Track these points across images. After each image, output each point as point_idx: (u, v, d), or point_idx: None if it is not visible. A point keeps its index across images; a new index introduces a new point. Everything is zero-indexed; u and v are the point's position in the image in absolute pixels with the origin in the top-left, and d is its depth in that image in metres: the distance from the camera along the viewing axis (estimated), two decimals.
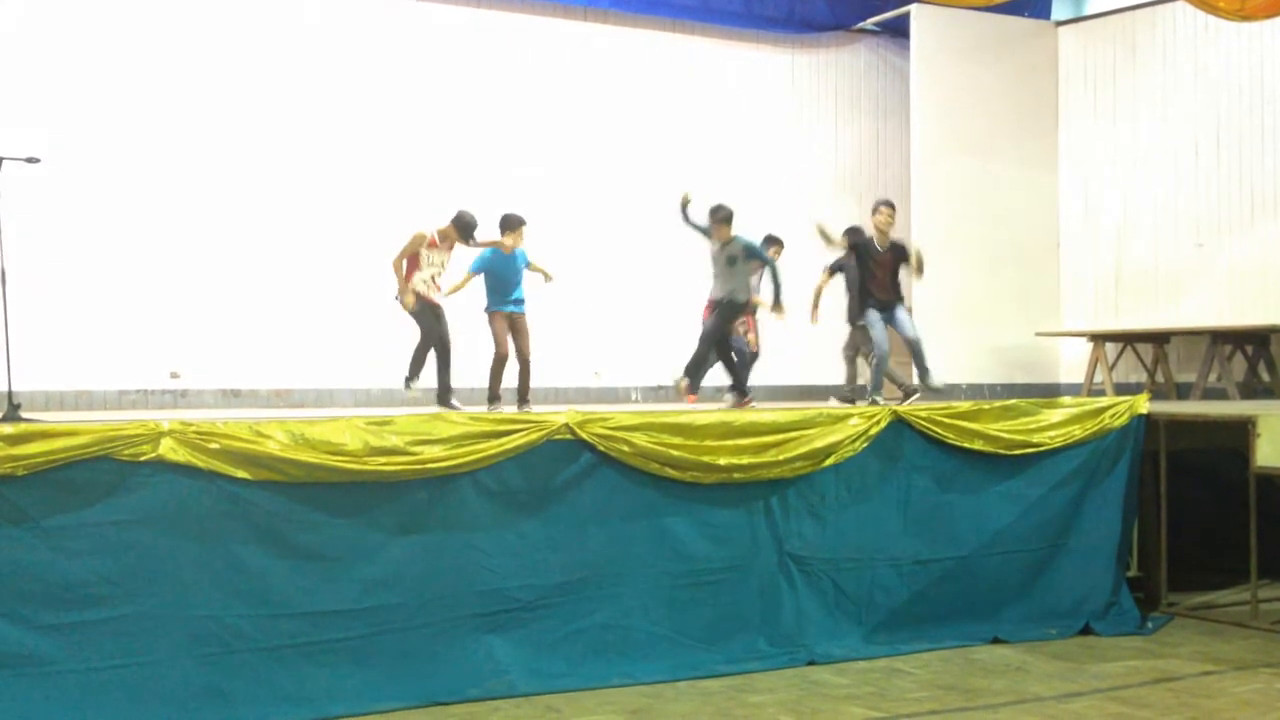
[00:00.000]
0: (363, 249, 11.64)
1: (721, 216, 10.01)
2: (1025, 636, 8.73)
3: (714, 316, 10.22)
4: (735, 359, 10.55)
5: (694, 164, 14.51)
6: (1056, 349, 15.37)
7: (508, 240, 9.73)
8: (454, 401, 9.40)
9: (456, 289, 9.77)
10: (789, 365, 14.23)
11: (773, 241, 11.58)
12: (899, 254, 10.26)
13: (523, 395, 9.82)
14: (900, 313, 10.31)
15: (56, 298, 11.49)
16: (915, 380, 10.42)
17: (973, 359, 14.35)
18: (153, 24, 12.13)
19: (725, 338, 10.40)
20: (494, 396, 9.63)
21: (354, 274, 12.05)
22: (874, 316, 10.25)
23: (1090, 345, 14.24)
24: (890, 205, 10.37)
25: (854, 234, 10.84)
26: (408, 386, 9.64)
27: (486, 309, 9.81)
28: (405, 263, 9.38)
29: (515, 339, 9.81)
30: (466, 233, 9.52)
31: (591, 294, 13.37)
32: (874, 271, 10.24)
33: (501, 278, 9.77)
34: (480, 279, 9.81)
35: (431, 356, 9.56)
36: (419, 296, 9.38)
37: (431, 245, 9.46)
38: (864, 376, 11.14)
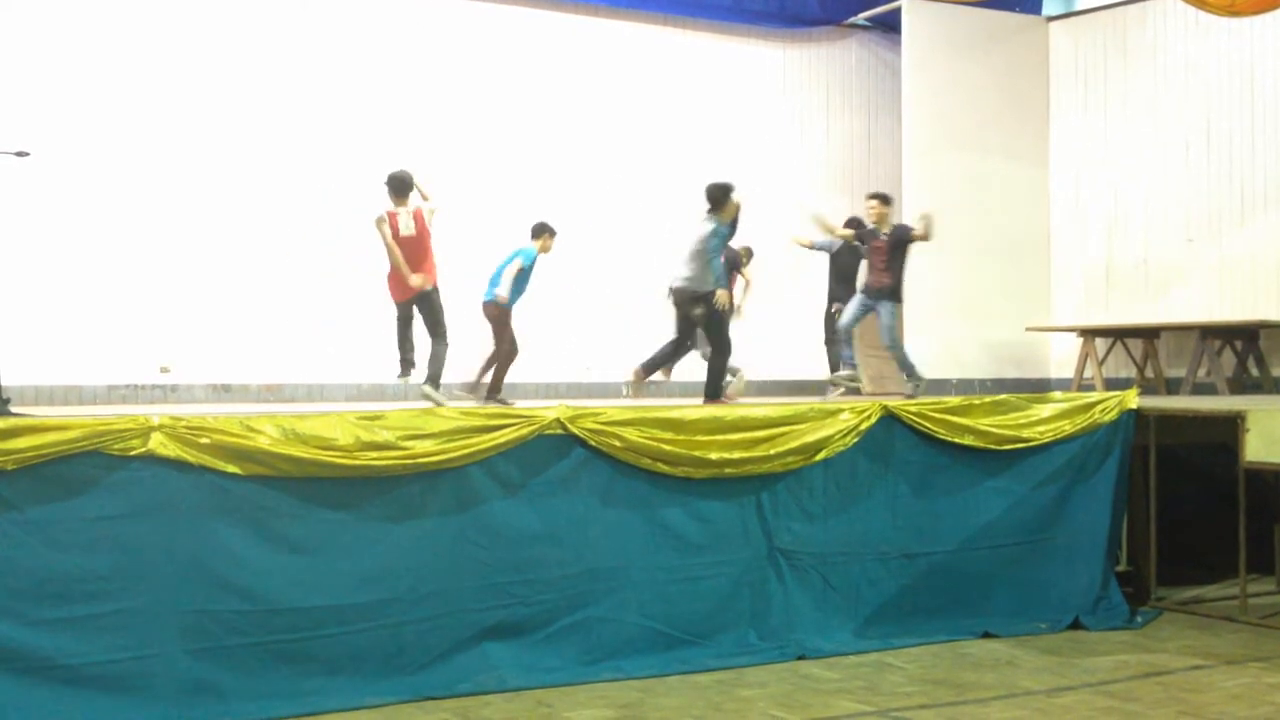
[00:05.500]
0: (353, 243, 11.60)
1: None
2: (1015, 631, 8.75)
3: None
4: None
5: (684, 159, 14.52)
6: (1046, 344, 15.39)
7: (549, 244, 10.08)
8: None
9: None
10: (780, 359, 14.26)
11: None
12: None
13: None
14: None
15: (45, 292, 11.47)
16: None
17: (963, 354, 14.38)
18: (143, 18, 12.10)
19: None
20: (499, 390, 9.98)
21: (345, 268, 12.04)
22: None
23: (1080, 340, 14.27)
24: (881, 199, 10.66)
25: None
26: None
27: (508, 305, 9.95)
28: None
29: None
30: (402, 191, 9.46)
31: (583, 288, 13.38)
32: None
33: (528, 279, 10.00)
34: (509, 275, 10.12)
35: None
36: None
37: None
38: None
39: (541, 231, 10.50)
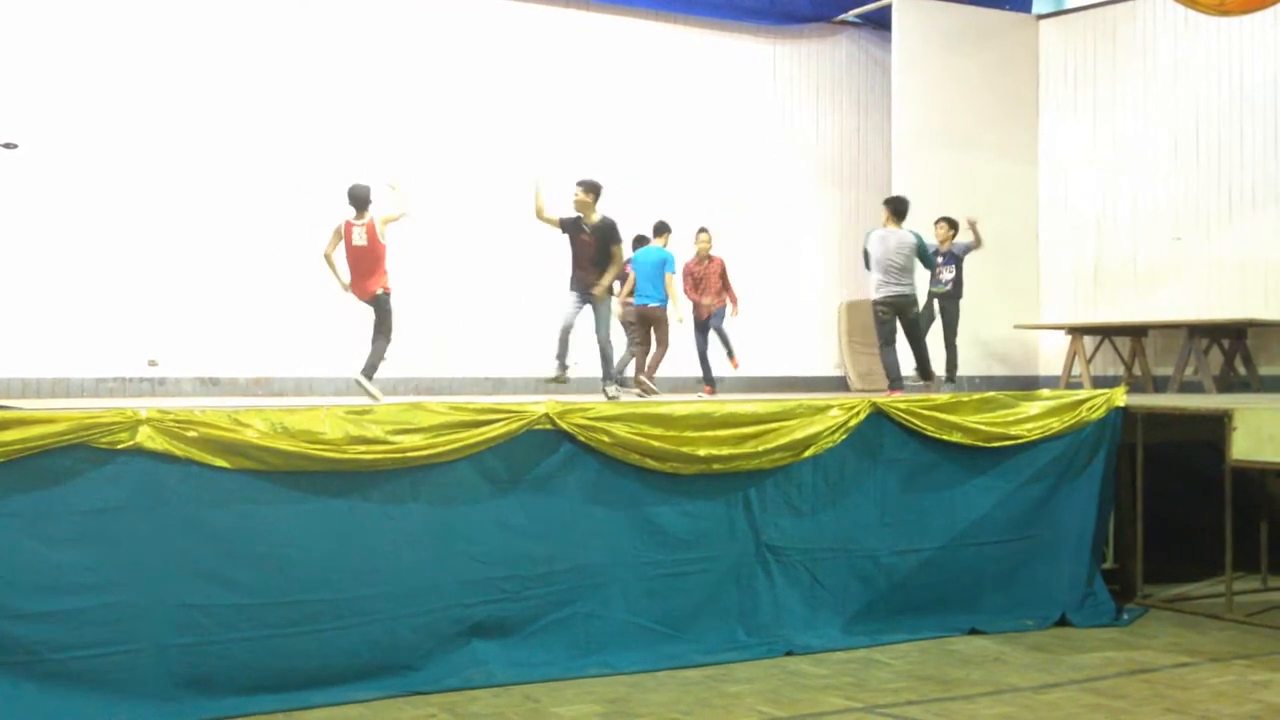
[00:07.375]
0: None
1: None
2: (1002, 627, 8.77)
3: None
4: None
5: (674, 154, 14.53)
6: (1035, 341, 15.42)
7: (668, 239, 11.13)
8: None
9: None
10: (768, 356, 14.26)
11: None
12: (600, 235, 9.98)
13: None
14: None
15: (34, 285, 11.42)
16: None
17: None
18: (133, 12, 12.05)
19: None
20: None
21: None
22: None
23: (1068, 338, 14.30)
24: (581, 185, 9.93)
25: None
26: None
27: (665, 303, 10.74)
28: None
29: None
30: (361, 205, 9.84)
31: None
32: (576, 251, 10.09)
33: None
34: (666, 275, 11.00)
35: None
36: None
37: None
38: None
39: (664, 230, 11.37)
